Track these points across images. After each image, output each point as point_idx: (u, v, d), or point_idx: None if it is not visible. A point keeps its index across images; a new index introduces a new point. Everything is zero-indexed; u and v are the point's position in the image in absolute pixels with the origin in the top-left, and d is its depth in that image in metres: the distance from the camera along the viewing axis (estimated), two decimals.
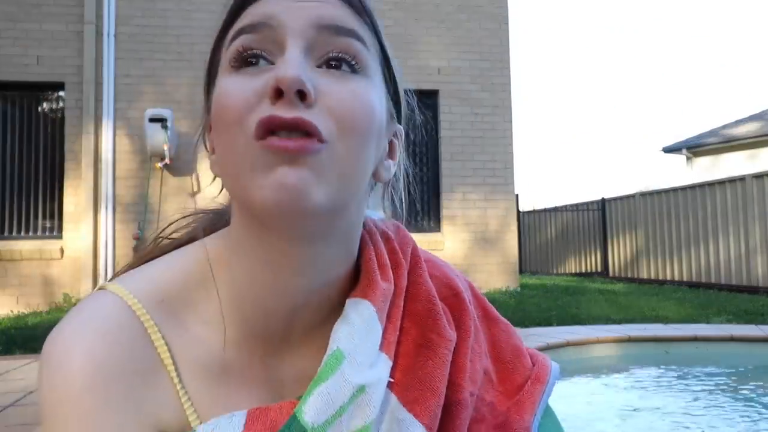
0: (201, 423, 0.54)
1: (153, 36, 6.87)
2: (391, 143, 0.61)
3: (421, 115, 0.68)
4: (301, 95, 0.48)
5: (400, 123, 0.62)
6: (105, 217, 6.63)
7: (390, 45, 0.59)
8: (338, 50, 0.51)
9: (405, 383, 0.58)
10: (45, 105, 6.98)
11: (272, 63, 0.51)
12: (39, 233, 6.74)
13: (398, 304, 0.62)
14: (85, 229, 6.57)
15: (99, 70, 6.70)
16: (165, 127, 6.40)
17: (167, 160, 6.53)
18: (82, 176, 6.61)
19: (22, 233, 6.71)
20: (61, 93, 6.86)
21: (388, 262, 0.63)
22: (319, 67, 0.51)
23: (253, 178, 0.48)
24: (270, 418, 0.53)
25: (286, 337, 0.59)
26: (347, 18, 0.52)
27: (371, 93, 0.53)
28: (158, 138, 6.41)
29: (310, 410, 0.53)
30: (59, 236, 6.69)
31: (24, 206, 6.75)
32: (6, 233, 6.68)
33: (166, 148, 6.42)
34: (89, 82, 6.64)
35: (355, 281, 0.60)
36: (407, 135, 0.65)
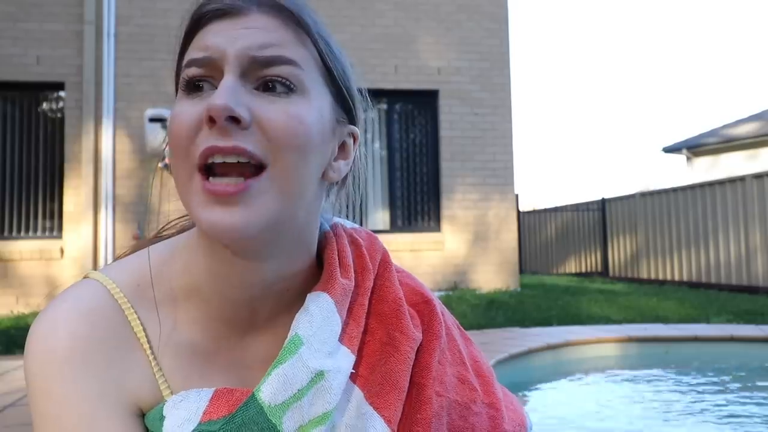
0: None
1: (153, 36, 6.87)
2: (343, 144, 0.65)
3: (372, 111, 0.72)
4: (235, 120, 0.53)
5: (354, 124, 0.66)
6: (105, 217, 6.63)
7: (337, 53, 0.62)
8: (272, 75, 0.56)
9: (369, 378, 0.63)
10: (45, 105, 6.98)
11: (216, 87, 0.56)
12: (39, 233, 6.74)
13: (362, 303, 0.66)
14: (85, 229, 6.57)
15: (99, 70, 6.70)
16: (165, 127, 6.40)
17: (167, 160, 6.51)
18: (82, 176, 6.61)
19: (22, 233, 6.71)
20: (61, 93, 6.86)
21: (351, 262, 0.67)
22: (256, 89, 0.56)
23: (195, 209, 0.55)
24: (234, 397, 0.57)
25: (251, 324, 0.63)
26: (283, 42, 0.57)
27: (305, 110, 0.57)
28: (158, 138, 6.41)
29: (268, 390, 0.57)
30: (59, 236, 6.69)
31: (24, 206, 6.75)
32: (6, 233, 6.68)
33: (166, 148, 6.42)
34: (89, 82, 6.64)
35: (319, 278, 0.65)
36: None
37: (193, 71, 0.58)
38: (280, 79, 0.56)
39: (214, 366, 0.62)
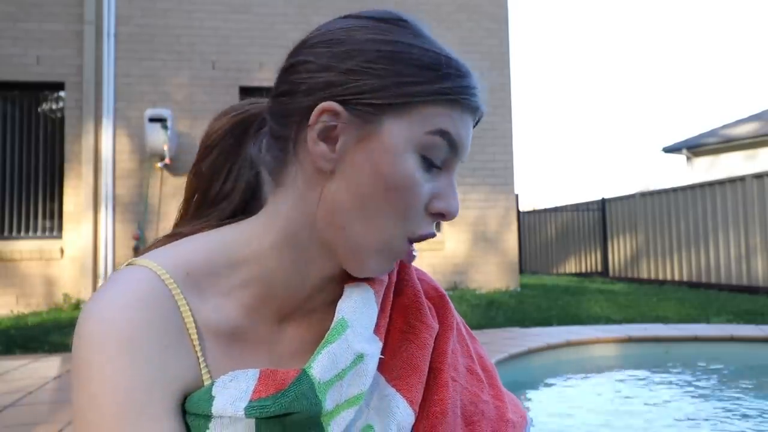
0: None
1: (153, 36, 6.87)
2: None
3: None
4: None
5: None
6: (105, 217, 6.64)
7: None
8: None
9: (390, 364, 0.67)
10: (45, 105, 6.98)
11: (438, 165, 0.62)
12: (39, 233, 6.74)
13: (388, 296, 0.70)
14: (85, 229, 6.57)
15: (99, 70, 6.70)
16: (165, 127, 6.40)
17: (167, 160, 6.53)
18: (82, 176, 6.61)
19: (22, 233, 6.71)
20: (61, 93, 6.86)
21: None
22: None
23: (373, 256, 0.61)
24: (278, 377, 0.60)
25: (293, 314, 0.67)
26: None
27: None
28: (158, 138, 6.41)
29: (318, 367, 0.60)
30: (59, 236, 6.69)
31: (24, 206, 6.75)
32: (6, 233, 6.68)
33: (165, 148, 6.42)
34: (89, 82, 6.64)
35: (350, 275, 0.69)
36: None
37: (441, 144, 0.61)
38: None
39: (247, 351, 0.64)
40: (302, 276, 0.64)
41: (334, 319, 0.63)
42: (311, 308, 0.67)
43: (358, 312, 0.64)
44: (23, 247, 6.54)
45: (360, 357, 0.62)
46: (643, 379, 3.94)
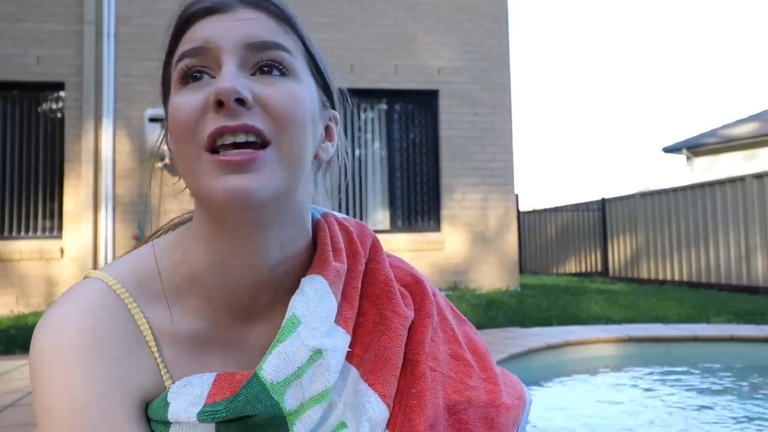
0: None
1: (153, 36, 6.86)
2: (327, 127, 0.70)
3: (349, 105, 0.78)
4: (240, 102, 0.56)
5: (334, 109, 0.70)
6: (105, 217, 6.63)
7: (315, 44, 0.67)
8: (267, 59, 0.60)
9: (364, 357, 0.65)
10: (45, 105, 6.98)
11: (213, 77, 0.59)
12: (39, 233, 6.74)
13: (355, 286, 0.68)
14: (85, 229, 6.57)
15: (99, 70, 6.70)
16: (164, 128, 6.40)
17: (167, 160, 6.53)
18: (82, 176, 6.61)
19: (22, 233, 6.71)
20: (61, 93, 6.86)
21: (342, 246, 0.70)
22: (253, 75, 0.60)
23: (206, 183, 0.57)
24: (236, 380, 0.59)
25: (250, 312, 0.65)
26: (272, 31, 0.61)
27: (299, 90, 0.61)
28: (158, 138, 6.41)
29: (269, 368, 0.58)
30: (59, 236, 6.69)
31: (24, 206, 6.75)
32: (6, 233, 6.68)
33: (165, 148, 6.42)
34: (89, 82, 6.64)
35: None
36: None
37: (188, 62, 0.60)
38: (275, 63, 0.60)
39: (213, 354, 0.64)
40: (230, 266, 0.62)
41: (286, 316, 0.62)
42: (271, 303, 0.65)
43: (312, 306, 0.62)
44: (23, 247, 6.54)
45: (318, 353, 0.60)
46: (643, 379, 3.94)
